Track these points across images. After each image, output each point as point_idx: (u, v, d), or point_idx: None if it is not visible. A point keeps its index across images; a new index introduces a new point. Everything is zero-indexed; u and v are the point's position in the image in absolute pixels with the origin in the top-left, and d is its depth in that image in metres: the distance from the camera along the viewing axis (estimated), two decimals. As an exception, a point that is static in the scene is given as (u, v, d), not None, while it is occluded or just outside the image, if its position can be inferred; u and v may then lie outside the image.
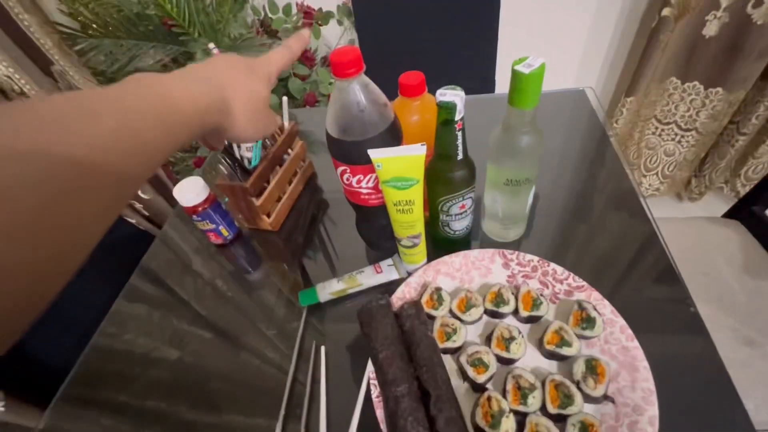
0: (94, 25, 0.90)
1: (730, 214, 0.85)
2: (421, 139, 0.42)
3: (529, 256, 0.48)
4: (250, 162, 0.56)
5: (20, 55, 0.74)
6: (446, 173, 0.42)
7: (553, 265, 0.46)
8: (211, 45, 0.55)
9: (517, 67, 0.35)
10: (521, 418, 0.36)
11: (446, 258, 0.49)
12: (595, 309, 0.41)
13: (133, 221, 0.99)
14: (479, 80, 1.13)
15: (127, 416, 0.45)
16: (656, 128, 1.28)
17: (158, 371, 0.49)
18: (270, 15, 1.08)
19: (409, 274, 0.49)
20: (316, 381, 0.44)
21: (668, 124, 1.25)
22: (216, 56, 0.31)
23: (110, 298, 0.57)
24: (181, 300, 0.57)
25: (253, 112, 0.29)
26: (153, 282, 0.60)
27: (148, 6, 0.92)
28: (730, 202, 0.87)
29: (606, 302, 0.42)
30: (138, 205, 1.01)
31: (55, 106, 0.17)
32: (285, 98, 0.59)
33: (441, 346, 0.42)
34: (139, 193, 1.00)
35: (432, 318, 0.44)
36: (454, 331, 0.42)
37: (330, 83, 1.11)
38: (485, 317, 0.45)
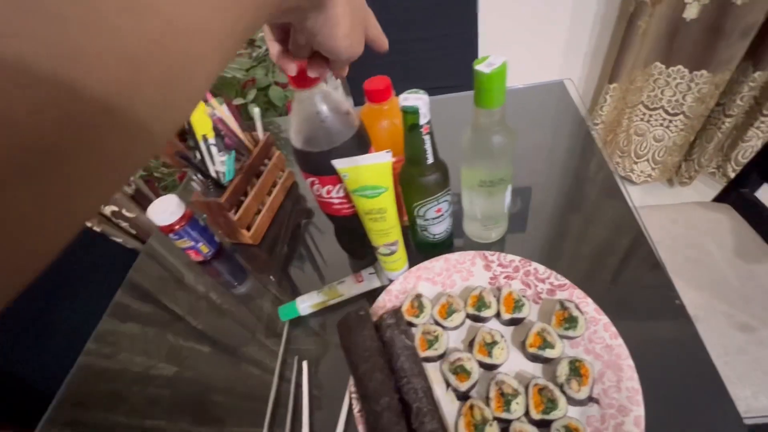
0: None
1: (720, 198, 0.84)
2: (392, 144, 0.41)
3: (510, 257, 0.47)
4: (224, 176, 0.55)
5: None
6: (418, 178, 0.41)
7: (534, 264, 0.45)
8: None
9: (478, 67, 0.34)
10: (505, 425, 0.35)
11: (427, 263, 0.48)
12: (578, 308, 0.40)
13: (119, 240, 0.99)
14: (461, 78, 1.12)
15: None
16: (644, 114, 1.27)
17: (145, 389, 0.48)
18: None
19: (391, 281, 0.48)
20: (298, 397, 0.43)
21: (655, 109, 1.24)
22: None
23: (98, 318, 0.57)
24: (165, 316, 0.56)
25: (354, 12, 0.23)
26: (138, 298, 0.59)
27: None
28: (722, 186, 0.86)
29: (589, 300, 0.41)
30: (124, 224, 1.01)
31: None
32: (257, 110, 0.58)
33: (423, 354, 0.41)
34: (125, 212, 1.00)
35: (413, 325, 0.43)
36: (436, 338, 0.42)
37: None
38: (468, 322, 0.44)
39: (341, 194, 0.41)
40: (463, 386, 0.38)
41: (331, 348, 0.47)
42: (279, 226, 0.64)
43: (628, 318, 0.41)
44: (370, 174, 0.37)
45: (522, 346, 0.41)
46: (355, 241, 0.50)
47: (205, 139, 0.54)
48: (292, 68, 0.28)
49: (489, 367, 0.40)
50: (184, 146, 0.51)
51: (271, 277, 0.57)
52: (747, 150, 1.24)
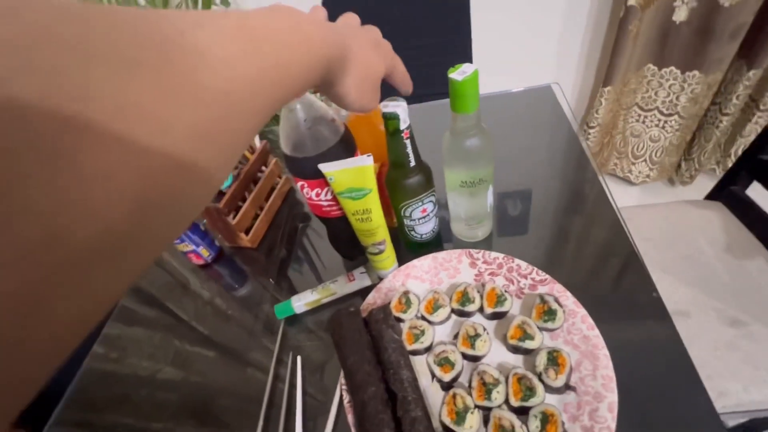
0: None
1: (711, 196, 0.85)
2: (379, 149, 0.44)
3: (494, 254, 0.49)
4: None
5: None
6: (402, 180, 0.44)
7: (517, 261, 0.47)
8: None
9: (452, 75, 0.36)
10: (486, 412, 0.37)
11: (415, 261, 0.51)
12: (557, 301, 0.42)
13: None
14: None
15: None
16: (639, 115, 1.29)
17: (152, 392, 0.50)
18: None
19: (381, 279, 0.51)
20: (292, 390, 0.45)
21: (650, 110, 1.26)
22: (354, 28, 0.29)
23: (103, 322, 0.59)
24: (169, 320, 0.58)
25: (363, 81, 0.28)
26: (143, 302, 0.62)
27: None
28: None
29: (568, 293, 0.43)
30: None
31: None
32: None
33: (410, 347, 0.43)
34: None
35: (401, 321, 0.45)
36: (422, 332, 0.43)
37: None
38: (453, 317, 0.46)
39: (329, 197, 0.44)
40: (447, 377, 0.39)
41: (324, 344, 0.49)
42: (276, 229, 0.67)
43: (606, 310, 0.42)
44: (354, 176, 0.39)
45: (504, 339, 0.42)
46: (346, 242, 0.53)
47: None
48: None
49: (472, 359, 0.41)
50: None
51: (271, 279, 0.60)
52: (746, 145, 1.24)
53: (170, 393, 0.50)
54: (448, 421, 0.37)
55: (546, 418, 0.35)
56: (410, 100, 0.39)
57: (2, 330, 0.09)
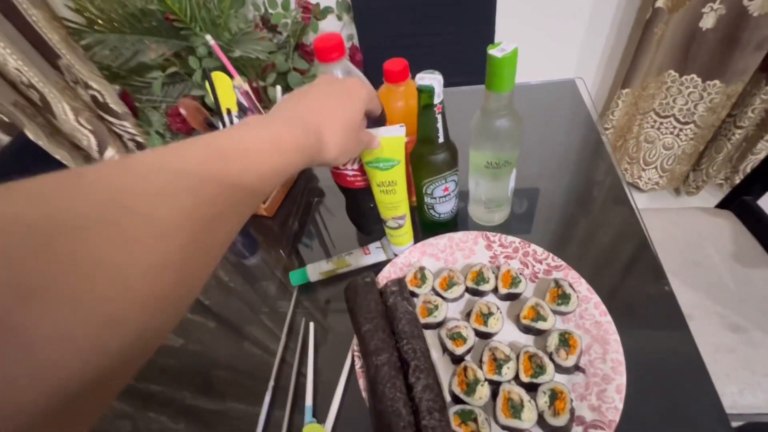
0: (100, 21, 0.93)
1: (722, 204, 0.86)
2: (407, 124, 0.44)
3: (510, 238, 0.49)
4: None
5: (28, 48, 0.77)
6: (428, 156, 0.44)
7: (533, 246, 0.48)
8: (209, 38, 0.57)
9: (491, 52, 0.36)
10: (495, 386, 0.38)
11: (432, 239, 0.51)
12: (571, 286, 0.43)
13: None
14: (477, 73, 1.14)
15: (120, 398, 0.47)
16: (655, 121, 1.28)
17: (153, 356, 0.51)
18: (270, 10, 1.10)
19: (396, 256, 0.51)
20: (304, 354, 0.46)
21: (667, 117, 1.25)
22: (317, 82, 0.32)
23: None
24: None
25: (344, 139, 0.30)
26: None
27: (152, 1, 0.94)
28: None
29: (582, 280, 0.44)
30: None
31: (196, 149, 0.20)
32: (278, 87, 0.61)
33: (423, 321, 0.43)
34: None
35: (415, 295, 0.46)
36: (436, 307, 0.44)
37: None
38: (466, 295, 0.47)
39: (356, 166, 0.44)
40: (459, 350, 0.40)
41: (336, 312, 0.50)
42: (292, 202, 0.67)
43: (618, 300, 0.43)
44: (385, 146, 0.40)
45: (516, 319, 0.43)
46: (364, 215, 0.53)
47: (229, 113, 0.57)
48: None
49: (484, 336, 0.42)
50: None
51: (282, 251, 0.60)
52: (756, 162, 1.24)
53: (170, 359, 0.50)
54: (458, 391, 0.38)
55: (555, 395, 0.36)
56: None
57: None
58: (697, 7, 1.02)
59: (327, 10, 1.14)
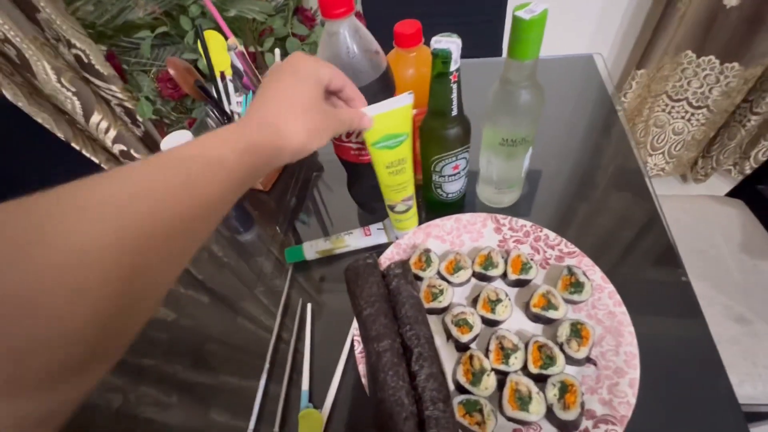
0: (83, -28, 0.86)
1: (733, 193, 0.83)
2: (417, 95, 0.40)
3: (521, 222, 0.47)
4: (239, 117, 0.54)
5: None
6: (440, 130, 0.40)
7: (545, 230, 0.45)
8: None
9: (518, 13, 0.32)
10: (502, 377, 0.36)
11: (437, 221, 0.48)
12: (585, 274, 0.40)
13: (127, 181, 0.98)
14: (487, 48, 1.08)
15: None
16: (666, 105, 1.24)
17: (144, 330, 0.49)
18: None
19: (398, 239, 0.49)
20: (301, 338, 0.44)
21: (679, 101, 1.21)
22: (266, 74, 0.29)
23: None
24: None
25: (305, 120, 0.27)
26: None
27: (140, -47, 0.87)
28: (736, 185, 0.85)
29: (596, 268, 0.42)
30: (132, 165, 1.00)
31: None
32: (277, 51, 0.57)
33: (427, 306, 0.41)
34: (134, 153, 0.99)
35: (420, 279, 0.44)
36: (441, 292, 0.42)
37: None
38: (473, 280, 0.44)
39: (361, 139, 0.41)
40: (465, 338, 0.38)
41: (334, 294, 0.47)
42: (290, 176, 0.64)
43: (633, 289, 0.41)
44: (393, 121, 0.36)
45: (525, 307, 0.41)
46: (368, 192, 0.50)
47: (223, 77, 0.53)
48: None
49: (491, 323, 0.40)
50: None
51: (277, 228, 0.57)
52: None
53: (162, 332, 0.48)
54: (463, 380, 0.36)
55: (565, 388, 0.34)
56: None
57: None
58: (723, -18, 0.96)
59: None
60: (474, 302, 0.42)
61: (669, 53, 1.12)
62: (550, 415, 0.33)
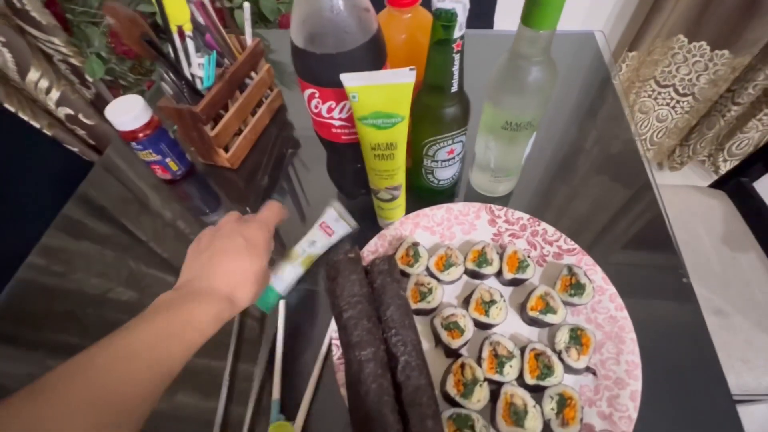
0: None
1: (717, 184, 0.83)
2: (409, 64, 0.34)
3: (518, 214, 0.43)
4: (201, 82, 0.46)
5: None
6: (437, 109, 0.35)
7: (543, 224, 0.42)
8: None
9: (540, -31, 0.27)
10: (495, 387, 0.33)
11: (427, 210, 0.44)
12: (586, 275, 0.37)
13: (75, 150, 0.88)
14: (475, 18, 1.01)
15: (56, 354, 0.40)
16: (653, 91, 1.22)
17: (97, 309, 0.43)
18: None
19: (358, 226, 0.42)
20: (268, 339, 0.39)
21: (666, 87, 1.19)
22: (218, 237, 0.31)
23: (43, 230, 0.50)
24: (123, 237, 0.49)
25: (255, 288, 0.31)
26: (90, 213, 0.52)
27: None
28: (709, 175, 0.84)
29: (598, 268, 0.38)
30: (81, 132, 0.89)
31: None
32: (246, 4, 0.48)
33: (414, 306, 0.37)
34: (83, 118, 0.88)
35: (406, 275, 0.40)
36: (430, 291, 0.38)
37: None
38: (465, 277, 0.40)
39: (344, 115, 0.35)
40: (456, 343, 0.35)
41: (308, 289, 0.42)
42: (261, 152, 0.57)
43: (632, 289, 0.38)
44: (387, 97, 0.30)
45: (520, 308, 0.38)
46: (350, 175, 0.45)
47: (181, 32, 0.44)
48: None
49: (484, 327, 0.37)
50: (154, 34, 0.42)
51: (247, 208, 0.51)
52: (743, 141, 1.23)
53: (123, 314, 0.42)
54: (453, 392, 0.32)
55: (564, 401, 0.31)
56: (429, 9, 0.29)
57: None
58: (723, -37, 0.92)
59: None
60: (465, 302, 0.38)
61: (661, 36, 1.09)
62: (547, 431, 0.31)
